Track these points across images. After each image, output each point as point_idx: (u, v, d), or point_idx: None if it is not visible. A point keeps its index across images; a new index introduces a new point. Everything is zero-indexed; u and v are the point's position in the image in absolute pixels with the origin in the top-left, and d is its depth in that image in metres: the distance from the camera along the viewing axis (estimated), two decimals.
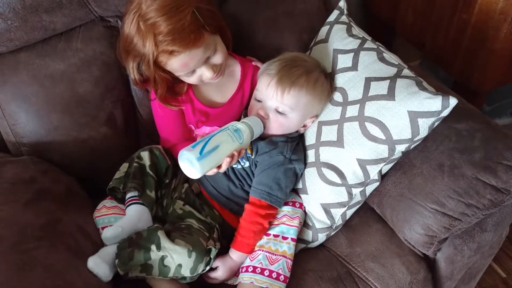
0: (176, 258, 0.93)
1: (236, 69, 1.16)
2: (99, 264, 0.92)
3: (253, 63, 1.18)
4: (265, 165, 1.05)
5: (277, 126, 1.05)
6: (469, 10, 1.43)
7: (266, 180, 1.04)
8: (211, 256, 0.97)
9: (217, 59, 1.03)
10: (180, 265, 0.93)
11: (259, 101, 1.06)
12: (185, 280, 0.98)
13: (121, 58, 1.05)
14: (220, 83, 1.12)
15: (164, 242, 0.94)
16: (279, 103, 1.02)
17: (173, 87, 1.08)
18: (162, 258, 0.94)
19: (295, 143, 1.09)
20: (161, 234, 0.95)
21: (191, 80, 1.05)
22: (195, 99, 1.13)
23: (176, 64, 0.98)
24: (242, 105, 1.17)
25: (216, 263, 1.02)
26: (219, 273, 1.02)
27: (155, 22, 0.92)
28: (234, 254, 1.04)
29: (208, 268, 0.97)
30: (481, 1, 1.39)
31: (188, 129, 1.17)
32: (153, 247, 0.94)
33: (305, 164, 1.10)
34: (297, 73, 1.02)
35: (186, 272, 0.94)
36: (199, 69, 1.02)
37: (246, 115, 1.12)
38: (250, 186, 1.08)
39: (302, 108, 1.04)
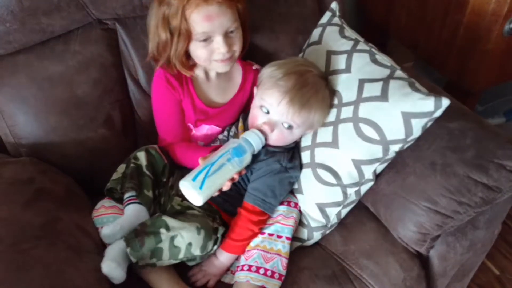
0: (186, 236, 0.94)
1: (237, 71, 1.17)
2: (114, 269, 0.92)
3: (254, 67, 1.18)
4: (262, 172, 1.06)
5: (280, 139, 1.05)
6: (461, 11, 1.44)
7: (261, 187, 1.05)
8: (218, 235, 0.98)
9: (236, 40, 1.05)
10: (190, 244, 0.94)
11: (265, 111, 1.04)
12: (195, 261, 1.00)
13: (152, 14, 1.05)
14: (221, 85, 1.14)
15: (172, 222, 0.96)
16: (289, 120, 1.02)
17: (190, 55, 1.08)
18: (172, 239, 0.94)
19: (292, 151, 1.10)
20: (166, 217, 0.97)
21: (203, 53, 1.04)
22: (196, 97, 1.13)
23: (202, 14, 0.98)
24: (241, 105, 1.19)
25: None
26: (205, 268, 1.04)
27: None
28: (222, 255, 1.05)
29: (216, 247, 0.99)
30: (473, 2, 1.40)
31: (187, 128, 1.17)
32: (162, 230, 0.95)
33: (301, 167, 1.10)
34: (308, 94, 1.01)
35: (196, 251, 0.95)
36: (216, 39, 1.02)
37: (244, 118, 1.14)
38: (245, 190, 1.09)
39: (309, 124, 1.04)
